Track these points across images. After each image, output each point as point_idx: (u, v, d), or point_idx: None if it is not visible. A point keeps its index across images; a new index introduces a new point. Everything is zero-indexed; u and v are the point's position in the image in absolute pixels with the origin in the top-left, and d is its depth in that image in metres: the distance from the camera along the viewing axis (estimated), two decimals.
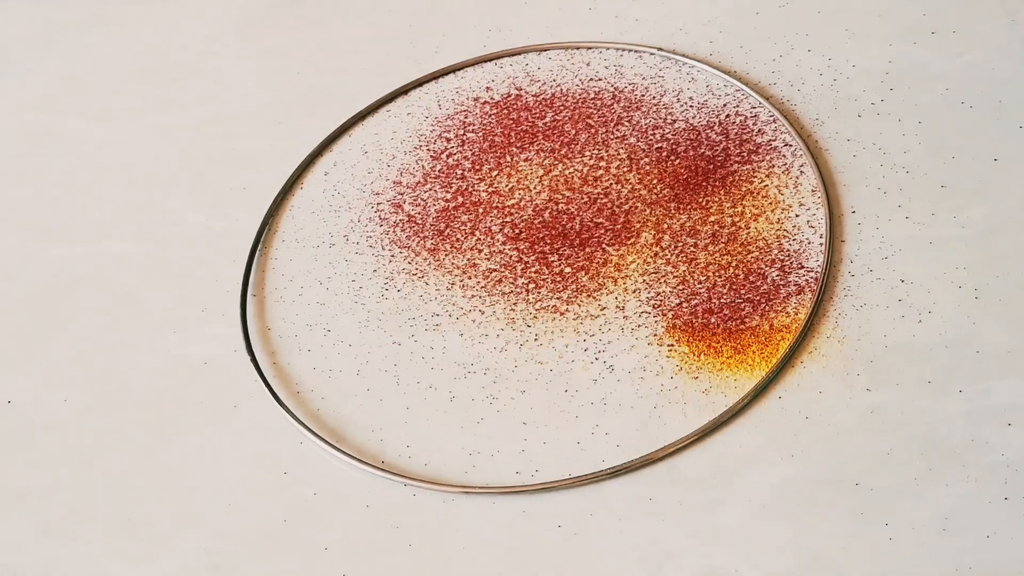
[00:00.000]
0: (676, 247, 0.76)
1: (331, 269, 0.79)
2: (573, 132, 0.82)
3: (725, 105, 0.81)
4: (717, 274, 0.75)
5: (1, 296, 0.81)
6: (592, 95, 0.84)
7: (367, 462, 0.71)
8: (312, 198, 0.82)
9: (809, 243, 0.75)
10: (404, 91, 0.86)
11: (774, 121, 0.80)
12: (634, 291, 0.75)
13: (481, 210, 0.80)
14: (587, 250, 0.77)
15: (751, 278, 0.74)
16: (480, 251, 0.78)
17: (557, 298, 0.75)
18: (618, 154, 0.81)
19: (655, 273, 0.75)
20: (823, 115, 0.80)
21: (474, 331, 0.75)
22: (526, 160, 0.81)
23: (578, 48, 0.86)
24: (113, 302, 0.79)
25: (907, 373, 0.70)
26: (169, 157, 0.85)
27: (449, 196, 0.81)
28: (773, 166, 0.78)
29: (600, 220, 0.78)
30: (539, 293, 0.76)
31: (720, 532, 0.67)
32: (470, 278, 0.77)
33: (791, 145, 0.79)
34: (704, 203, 0.78)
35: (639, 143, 0.81)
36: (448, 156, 0.82)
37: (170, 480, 0.72)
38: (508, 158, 0.82)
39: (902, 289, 0.73)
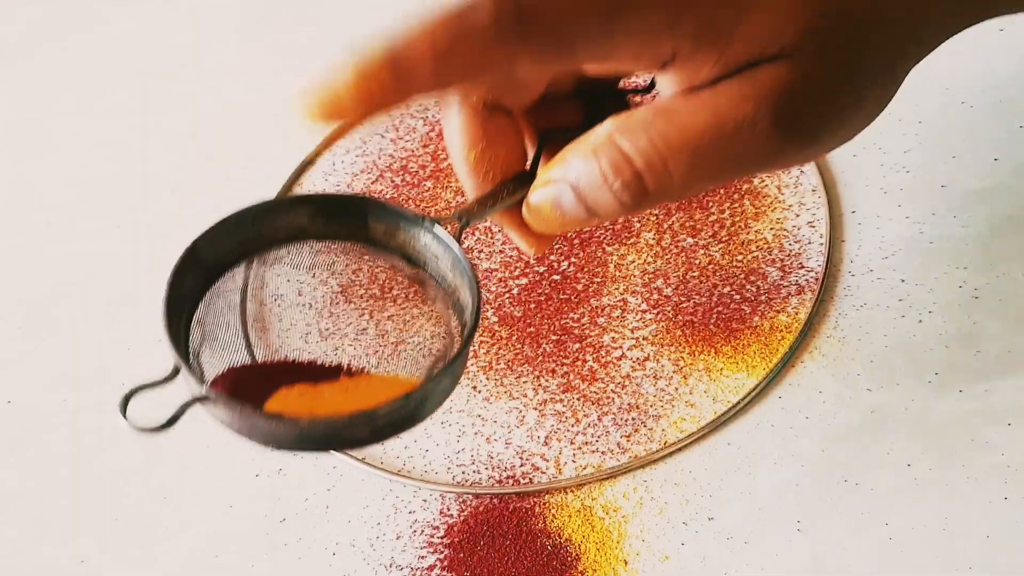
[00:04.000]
0: (676, 247, 0.76)
1: (330, 268, 0.78)
2: None
3: None
4: (717, 274, 0.75)
5: (0, 295, 0.81)
6: None
7: (367, 462, 0.71)
8: None
9: (809, 243, 0.75)
10: None
11: None
12: (633, 291, 0.75)
13: None
14: (587, 250, 0.77)
15: (751, 278, 0.74)
16: (479, 251, 0.78)
17: (556, 298, 0.75)
18: None
19: (655, 273, 0.75)
20: None
21: None
22: None
23: None
24: (112, 302, 0.79)
25: (907, 373, 0.70)
26: (168, 157, 0.85)
27: (449, 196, 0.81)
28: None
29: None
30: (538, 293, 0.76)
31: (720, 532, 0.67)
32: None
33: None
34: (704, 203, 0.78)
35: None
36: (448, 155, 0.82)
37: (170, 480, 0.72)
38: None
39: (902, 289, 0.73)
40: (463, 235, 0.58)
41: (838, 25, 0.56)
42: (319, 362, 0.60)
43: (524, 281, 0.77)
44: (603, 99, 0.63)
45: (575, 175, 0.57)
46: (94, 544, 0.70)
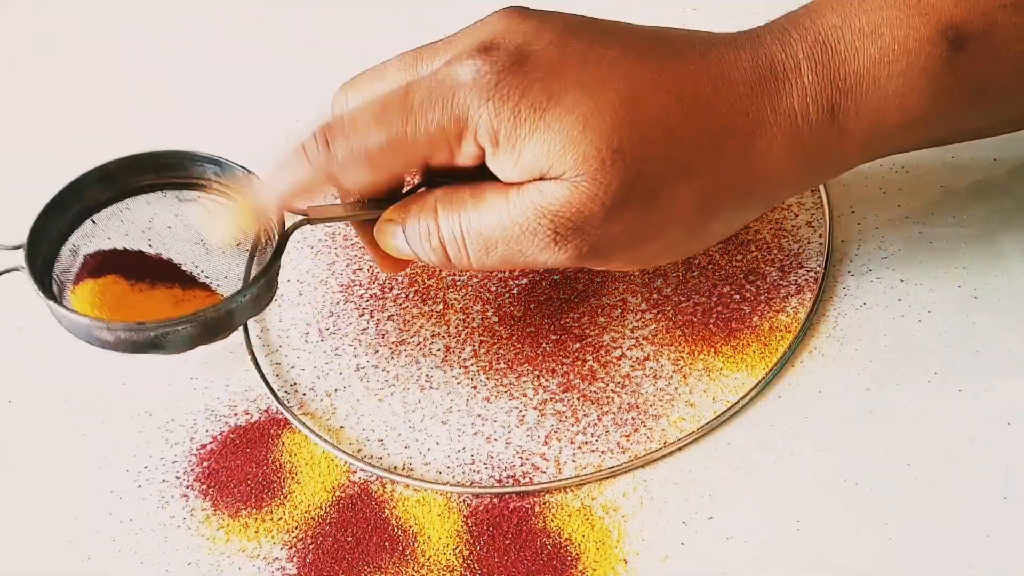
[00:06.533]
0: None
1: (330, 268, 0.79)
2: None
3: None
4: (717, 274, 0.75)
5: (1, 294, 0.80)
6: None
7: (368, 462, 0.71)
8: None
9: (809, 243, 0.75)
10: None
11: None
12: (633, 291, 0.75)
13: None
14: None
15: (751, 278, 0.74)
16: None
17: (556, 298, 0.75)
18: None
19: (654, 273, 0.75)
20: None
21: (473, 331, 0.75)
22: None
23: None
24: None
25: (907, 373, 0.70)
26: None
27: None
28: None
29: None
30: (538, 293, 0.76)
31: (720, 532, 0.67)
32: (470, 278, 0.77)
33: None
34: None
35: None
36: None
37: (170, 479, 0.72)
38: None
39: (902, 289, 0.73)
40: (295, 228, 0.69)
41: (628, 160, 0.63)
42: (184, 270, 0.70)
43: (524, 281, 0.77)
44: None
45: (409, 223, 0.67)
46: (96, 545, 0.70)
